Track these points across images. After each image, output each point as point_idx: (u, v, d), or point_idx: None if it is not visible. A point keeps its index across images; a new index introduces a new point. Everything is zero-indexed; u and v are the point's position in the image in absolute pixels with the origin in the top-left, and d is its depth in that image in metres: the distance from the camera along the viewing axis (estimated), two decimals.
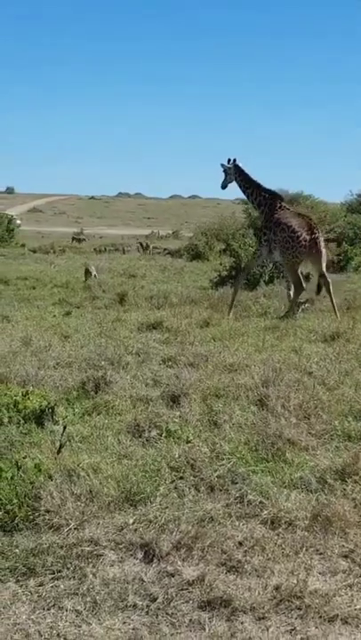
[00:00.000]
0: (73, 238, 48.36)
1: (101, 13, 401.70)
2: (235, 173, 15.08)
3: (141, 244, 36.34)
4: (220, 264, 20.52)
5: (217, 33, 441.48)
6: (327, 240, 30.48)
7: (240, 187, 15.22)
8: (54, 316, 13.70)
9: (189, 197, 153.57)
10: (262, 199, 14.92)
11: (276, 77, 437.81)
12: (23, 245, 40.28)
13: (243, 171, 15.08)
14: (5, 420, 6.43)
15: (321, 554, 4.47)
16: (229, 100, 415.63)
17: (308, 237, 14.26)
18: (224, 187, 15.41)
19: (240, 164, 15.08)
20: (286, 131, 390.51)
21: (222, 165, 15.19)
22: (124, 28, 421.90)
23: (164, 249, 37.91)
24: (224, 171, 15.20)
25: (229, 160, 15.12)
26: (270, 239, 14.56)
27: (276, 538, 4.58)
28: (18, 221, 74.73)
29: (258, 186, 15.00)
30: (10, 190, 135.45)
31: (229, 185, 15.34)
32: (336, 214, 35.69)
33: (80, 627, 3.74)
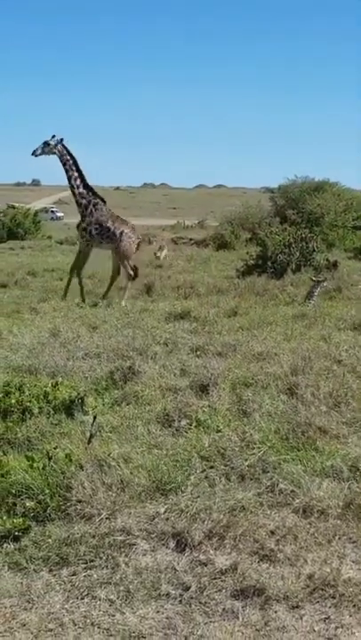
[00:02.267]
0: None
1: None
2: (59, 152, 15.66)
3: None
4: (247, 253, 20.42)
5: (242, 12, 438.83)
6: (354, 227, 30.48)
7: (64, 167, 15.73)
8: (81, 307, 13.73)
9: (215, 187, 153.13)
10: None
11: (299, 61, 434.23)
12: (50, 237, 40.35)
13: (70, 152, 15.68)
14: (36, 410, 6.45)
15: (354, 542, 4.44)
16: (253, 87, 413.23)
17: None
18: (35, 154, 15.72)
19: (67, 145, 15.65)
20: (311, 117, 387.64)
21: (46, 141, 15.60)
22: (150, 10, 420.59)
23: (190, 239, 37.79)
24: (45, 142, 15.59)
25: (54, 136, 15.61)
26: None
27: (308, 526, 4.55)
28: (60, 214, 75.28)
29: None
30: (36, 182, 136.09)
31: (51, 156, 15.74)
32: None
33: (114, 616, 3.76)
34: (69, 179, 15.65)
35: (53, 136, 15.57)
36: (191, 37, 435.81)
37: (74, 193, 15.79)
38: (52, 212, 76.43)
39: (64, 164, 15.62)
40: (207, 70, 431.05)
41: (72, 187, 15.76)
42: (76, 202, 15.79)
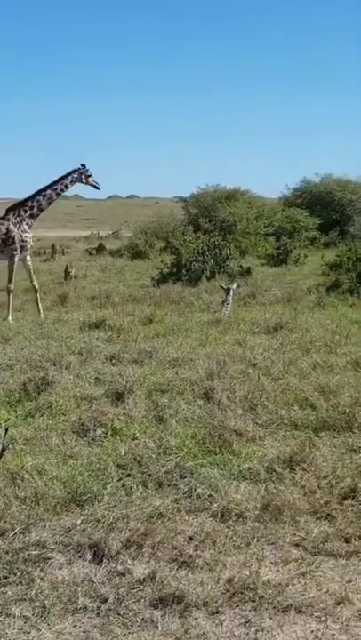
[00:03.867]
0: None
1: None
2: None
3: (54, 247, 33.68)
4: (162, 261, 20.44)
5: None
6: (266, 234, 30.96)
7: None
8: None
9: (128, 197, 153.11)
10: None
11: (215, 72, 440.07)
12: None
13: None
14: None
15: (273, 544, 4.43)
16: (167, 98, 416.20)
17: None
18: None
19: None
20: (222, 127, 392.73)
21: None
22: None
23: (105, 249, 37.59)
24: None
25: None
26: None
27: (226, 530, 4.52)
28: None
29: None
30: None
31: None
32: (274, 208, 36.06)
33: (29, 633, 3.62)
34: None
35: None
36: (92, 42, 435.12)
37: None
38: None
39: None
40: (115, 78, 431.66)
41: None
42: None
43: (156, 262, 22.86)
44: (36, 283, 14.94)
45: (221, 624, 3.67)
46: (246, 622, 3.68)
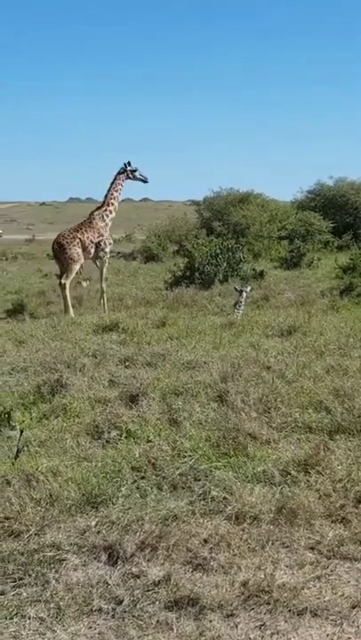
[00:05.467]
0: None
1: None
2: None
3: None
4: (175, 264, 20.45)
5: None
6: (279, 238, 30.95)
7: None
8: (7, 321, 13.50)
9: (141, 200, 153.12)
10: None
11: (229, 74, 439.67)
12: None
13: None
14: None
15: (287, 547, 4.41)
16: (180, 101, 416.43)
17: None
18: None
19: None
20: (236, 129, 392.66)
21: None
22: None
23: (118, 252, 37.67)
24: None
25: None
26: None
27: (241, 533, 4.50)
28: None
29: None
30: None
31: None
32: (287, 212, 36.01)
33: (44, 634, 3.63)
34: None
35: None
36: (94, 46, 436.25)
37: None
38: None
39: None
40: (127, 81, 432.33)
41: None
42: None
43: (169, 265, 22.87)
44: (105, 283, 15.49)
45: (236, 627, 3.66)
46: (261, 625, 3.67)
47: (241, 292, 13.93)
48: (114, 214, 15.74)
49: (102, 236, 15.44)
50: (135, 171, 15.60)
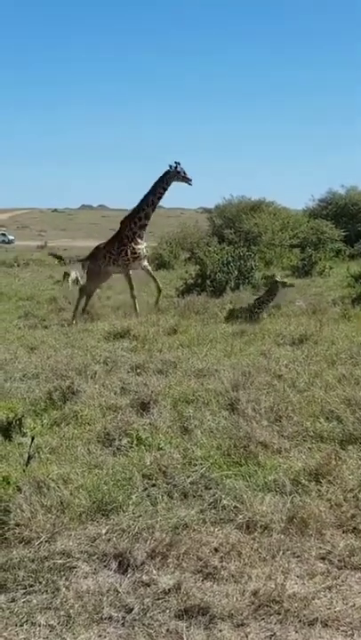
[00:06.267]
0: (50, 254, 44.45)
1: None
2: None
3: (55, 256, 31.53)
4: (186, 272, 20.47)
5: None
6: (291, 246, 30.95)
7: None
8: (19, 328, 13.55)
9: None
10: None
11: (239, 81, 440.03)
12: None
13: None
14: None
15: (298, 557, 4.39)
16: (192, 109, 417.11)
17: None
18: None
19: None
20: (248, 137, 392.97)
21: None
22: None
23: None
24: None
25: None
26: None
27: (252, 542, 4.49)
28: (10, 237, 74.06)
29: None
30: None
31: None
32: (299, 220, 36.03)
33: None
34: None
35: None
36: (108, 54, 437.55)
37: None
38: (3, 234, 75.50)
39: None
40: (137, 89, 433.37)
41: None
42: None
43: (180, 273, 22.90)
44: (159, 284, 15.89)
45: (247, 636, 3.64)
46: (272, 635, 3.65)
47: (283, 284, 13.92)
48: (144, 221, 15.46)
49: (125, 245, 15.37)
50: (179, 172, 15.30)
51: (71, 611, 3.83)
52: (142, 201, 15.43)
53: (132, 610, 3.84)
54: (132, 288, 15.28)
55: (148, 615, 3.79)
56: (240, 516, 4.74)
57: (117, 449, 6.02)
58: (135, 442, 6.09)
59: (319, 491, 5.09)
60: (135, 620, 3.76)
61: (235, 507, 4.86)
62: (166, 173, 15.31)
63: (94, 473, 5.41)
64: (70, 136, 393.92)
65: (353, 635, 3.65)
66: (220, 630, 3.67)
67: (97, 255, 15.92)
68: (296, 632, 3.67)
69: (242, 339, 11.10)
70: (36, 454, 5.73)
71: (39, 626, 3.74)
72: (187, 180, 15.40)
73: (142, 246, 15.55)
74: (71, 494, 4.97)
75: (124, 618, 3.78)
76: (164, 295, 18.84)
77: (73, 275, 22.47)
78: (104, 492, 5.00)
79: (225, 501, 4.92)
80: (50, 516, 4.72)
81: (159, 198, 15.50)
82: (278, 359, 9.04)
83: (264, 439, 6.00)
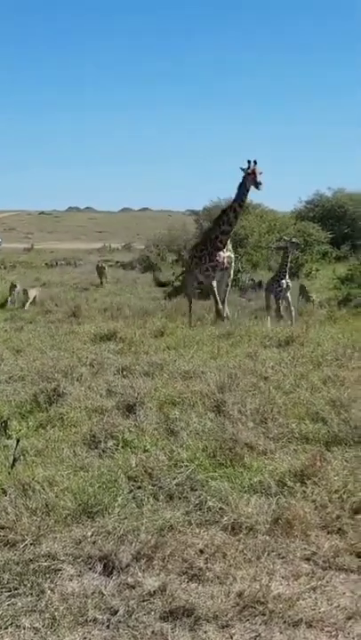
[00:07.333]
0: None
1: None
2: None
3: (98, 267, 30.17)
4: (173, 274, 20.50)
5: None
6: (278, 248, 30.98)
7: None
8: (5, 330, 13.52)
9: (140, 210, 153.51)
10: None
11: (223, 85, 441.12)
12: None
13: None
14: None
15: (283, 558, 4.40)
16: (179, 112, 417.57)
17: None
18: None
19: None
20: (235, 139, 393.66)
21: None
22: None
23: (117, 261, 37.75)
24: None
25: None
26: None
27: (237, 544, 4.50)
28: None
29: None
30: None
31: None
32: (286, 222, 36.11)
33: None
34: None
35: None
36: (95, 58, 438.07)
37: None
38: None
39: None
40: (130, 93, 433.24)
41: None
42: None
43: (167, 275, 22.94)
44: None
45: (231, 637, 3.65)
46: (257, 636, 3.66)
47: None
48: (226, 227, 14.49)
49: (202, 251, 14.77)
50: (251, 173, 14.06)
51: (56, 613, 3.81)
52: (227, 209, 14.72)
53: (117, 612, 3.83)
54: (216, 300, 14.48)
55: (133, 617, 3.78)
56: (225, 518, 4.75)
57: (103, 451, 6.01)
58: (121, 444, 6.09)
59: (304, 492, 5.11)
60: (120, 622, 3.76)
61: (220, 508, 4.86)
62: (247, 176, 14.14)
63: (80, 475, 5.40)
64: (57, 138, 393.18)
65: (337, 635, 3.66)
66: (205, 632, 3.67)
67: None
68: (281, 633, 3.68)
69: (228, 340, 11.13)
70: (22, 457, 5.72)
71: (24, 628, 3.73)
72: (258, 183, 14.09)
73: (224, 255, 14.59)
74: (56, 497, 4.96)
75: (109, 620, 3.78)
76: (152, 297, 18.89)
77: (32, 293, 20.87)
78: (90, 495, 4.99)
79: (210, 503, 4.92)
80: (35, 518, 4.71)
81: (240, 207, 14.67)
82: (264, 361, 9.05)
83: (250, 441, 6.01)
